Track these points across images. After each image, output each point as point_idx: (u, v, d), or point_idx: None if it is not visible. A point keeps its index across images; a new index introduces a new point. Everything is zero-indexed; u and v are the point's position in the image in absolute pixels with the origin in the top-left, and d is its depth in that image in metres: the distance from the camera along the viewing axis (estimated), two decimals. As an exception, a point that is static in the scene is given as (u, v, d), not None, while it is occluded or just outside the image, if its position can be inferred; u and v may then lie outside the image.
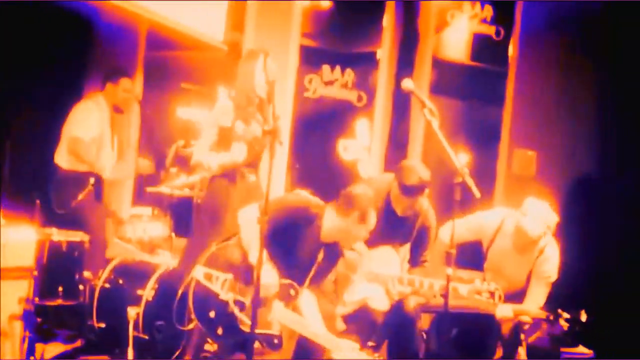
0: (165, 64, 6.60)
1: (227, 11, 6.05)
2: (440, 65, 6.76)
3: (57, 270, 4.12)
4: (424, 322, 4.41)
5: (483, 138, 6.56)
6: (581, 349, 4.49)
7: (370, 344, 4.18)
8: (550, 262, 4.40)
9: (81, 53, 5.96)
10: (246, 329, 3.58)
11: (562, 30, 6.22)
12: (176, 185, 5.06)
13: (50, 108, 5.40)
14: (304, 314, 3.72)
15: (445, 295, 3.48)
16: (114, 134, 5.26)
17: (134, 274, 4.33)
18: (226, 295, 3.61)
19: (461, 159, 3.50)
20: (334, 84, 6.80)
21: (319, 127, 6.78)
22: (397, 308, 4.11)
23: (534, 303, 4.37)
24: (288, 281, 3.70)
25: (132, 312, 3.86)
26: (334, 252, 3.85)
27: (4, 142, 5.35)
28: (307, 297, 3.77)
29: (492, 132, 6.57)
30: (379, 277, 4.08)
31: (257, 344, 3.61)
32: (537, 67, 6.33)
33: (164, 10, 5.36)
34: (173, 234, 5.11)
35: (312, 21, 6.73)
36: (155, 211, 5.13)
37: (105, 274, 4.33)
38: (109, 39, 6.05)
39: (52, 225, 4.30)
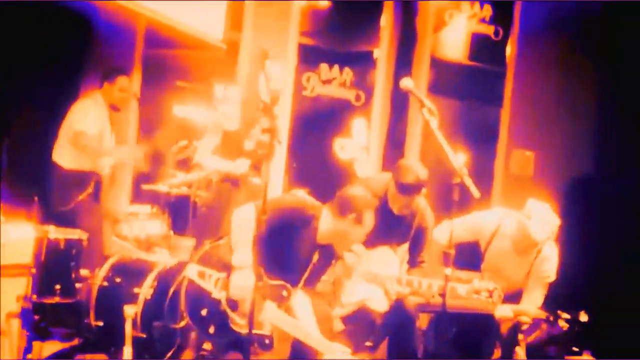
0: (164, 63, 6.60)
1: (226, 10, 6.05)
2: (438, 65, 6.76)
3: (55, 268, 4.11)
4: (423, 322, 4.41)
5: (481, 138, 6.56)
6: (585, 357, 4.49)
7: (367, 344, 4.18)
8: (549, 262, 4.40)
9: (79, 52, 5.96)
10: (238, 329, 3.58)
11: (561, 30, 6.23)
12: (174, 183, 5.06)
13: (48, 106, 5.40)
14: (297, 316, 3.70)
15: (443, 295, 3.48)
16: (112, 131, 5.28)
17: (131, 272, 4.33)
18: (219, 293, 3.59)
19: (459, 159, 3.49)
20: (332, 82, 6.80)
21: (317, 126, 6.78)
22: (396, 308, 4.11)
23: (532, 303, 4.37)
24: (280, 282, 3.67)
25: (131, 310, 3.85)
26: (329, 253, 3.83)
27: (3, 141, 5.35)
28: (300, 298, 3.76)
29: (490, 132, 6.57)
30: (377, 278, 4.07)
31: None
32: (535, 67, 6.33)
33: (163, 9, 5.37)
34: (171, 232, 5.10)
35: (311, 20, 6.73)
36: (153, 209, 5.13)
37: (103, 272, 4.32)
38: (107, 37, 6.05)
39: (50, 223, 4.29)
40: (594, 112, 6.16)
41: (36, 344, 3.80)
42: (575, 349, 4.36)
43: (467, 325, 4.38)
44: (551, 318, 4.21)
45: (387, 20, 6.70)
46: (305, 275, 3.75)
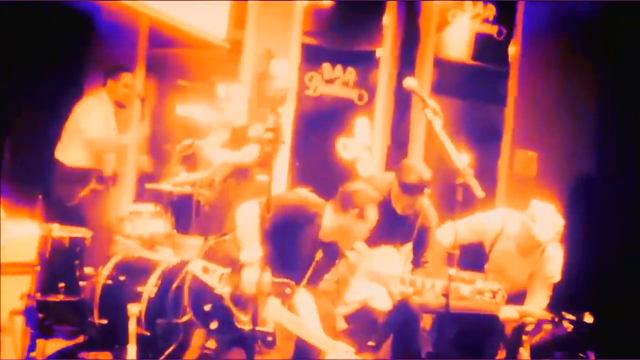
0: (167, 62, 6.60)
1: (229, 9, 6.05)
2: (441, 65, 6.77)
3: (59, 266, 4.11)
4: (426, 322, 4.41)
5: (484, 138, 6.56)
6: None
7: (370, 343, 4.18)
8: (553, 262, 4.40)
9: (82, 51, 5.96)
10: (241, 325, 3.58)
11: (564, 31, 6.23)
12: (177, 182, 5.06)
13: (51, 105, 5.41)
14: (300, 314, 3.69)
15: (446, 296, 3.47)
16: (117, 129, 5.29)
17: (135, 270, 4.32)
18: (222, 289, 3.58)
19: (463, 159, 3.48)
20: (334, 82, 6.80)
21: (319, 126, 6.78)
22: (400, 308, 4.11)
23: (537, 304, 4.37)
24: (283, 279, 3.66)
25: (134, 308, 3.85)
26: (332, 251, 3.82)
27: (5, 139, 5.36)
28: (304, 296, 3.75)
29: (493, 132, 6.58)
30: (380, 277, 4.07)
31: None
32: (538, 66, 6.34)
33: (166, 8, 5.37)
34: (174, 231, 5.11)
35: (313, 19, 6.73)
36: (156, 208, 5.13)
37: (107, 270, 4.32)
38: (110, 36, 6.05)
39: (54, 221, 4.29)
40: (596, 112, 6.17)
41: (40, 342, 3.80)
42: (582, 355, 4.36)
43: (470, 326, 4.38)
44: (556, 319, 4.20)
45: (390, 19, 6.71)
46: (308, 273, 3.75)
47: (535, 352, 4.24)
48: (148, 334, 4.06)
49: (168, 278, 4.19)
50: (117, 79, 5.25)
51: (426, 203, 4.26)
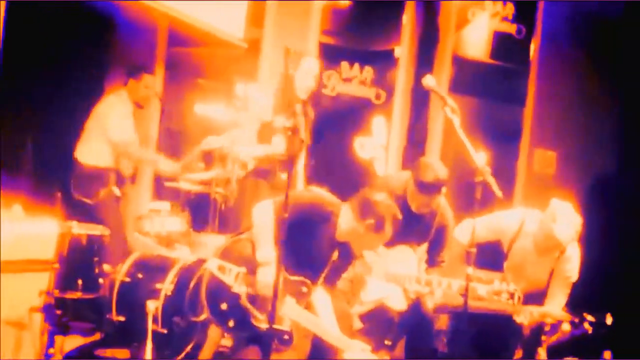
0: (185, 61, 6.64)
1: (247, 8, 6.07)
2: (460, 63, 6.74)
3: (77, 264, 4.13)
4: (442, 322, 4.39)
5: (503, 137, 6.53)
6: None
7: (386, 342, 4.17)
8: (571, 262, 4.36)
9: (101, 50, 6.00)
10: (257, 323, 3.58)
11: (584, 29, 6.18)
12: (192, 179, 5.09)
13: (71, 104, 5.45)
14: (317, 312, 3.68)
15: (464, 295, 3.45)
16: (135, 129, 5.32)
17: (153, 268, 4.34)
18: (239, 287, 3.58)
19: (481, 157, 3.46)
20: (352, 81, 6.80)
21: (337, 125, 6.78)
22: (415, 307, 4.09)
23: (556, 304, 4.33)
24: (299, 278, 3.66)
25: (152, 305, 3.87)
26: (349, 251, 3.79)
27: (27, 138, 5.42)
28: (320, 295, 3.74)
29: (512, 131, 6.53)
30: (396, 277, 4.05)
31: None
32: (558, 65, 6.30)
33: (185, 8, 5.40)
34: (191, 229, 5.13)
35: (331, 18, 6.73)
36: (173, 206, 5.16)
37: (125, 267, 4.35)
38: (129, 36, 6.09)
39: (73, 218, 4.33)
40: (615, 111, 6.11)
41: (58, 339, 3.82)
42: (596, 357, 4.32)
43: (487, 327, 4.34)
44: (576, 320, 4.16)
45: (408, 18, 6.69)
46: (325, 272, 3.73)
47: (550, 352, 4.21)
48: (165, 331, 4.08)
49: (185, 276, 4.20)
50: (139, 79, 5.28)
51: (443, 202, 4.23)
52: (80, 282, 4.14)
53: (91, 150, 5.15)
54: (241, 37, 6.01)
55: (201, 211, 5.22)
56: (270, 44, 6.34)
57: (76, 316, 4.11)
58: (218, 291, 3.60)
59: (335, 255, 3.74)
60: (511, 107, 6.73)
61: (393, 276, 4.07)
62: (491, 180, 3.39)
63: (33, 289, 3.73)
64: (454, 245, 4.28)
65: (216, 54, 6.49)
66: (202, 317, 3.92)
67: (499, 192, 3.41)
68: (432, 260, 4.25)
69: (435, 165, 4.11)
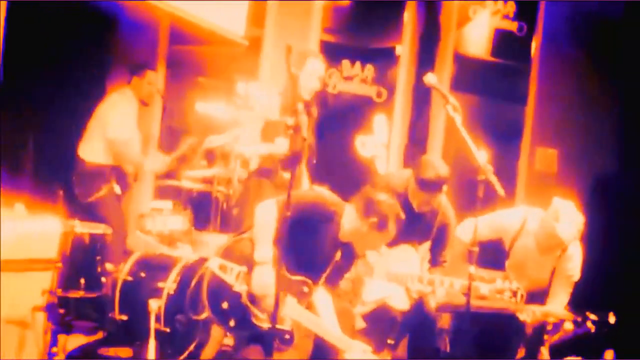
0: (187, 59, 6.63)
1: (248, 7, 6.07)
2: (461, 61, 6.73)
3: (80, 262, 4.14)
4: (444, 321, 4.39)
5: (504, 135, 6.52)
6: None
7: (389, 341, 4.17)
8: (573, 261, 4.36)
9: (103, 48, 6.00)
10: (258, 323, 3.59)
11: (585, 28, 6.17)
12: (194, 176, 5.08)
13: (73, 102, 5.45)
14: (318, 312, 3.68)
15: (467, 294, 3.45)
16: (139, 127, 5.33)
17: (155, 266, 4.34)
18: (240, 287, 3.58)
19: (483, 156, 3.46)
20: (353, 79, 6.79)
21: (338, 123, 6.77)
22: (418, 307, 4.10)
23: (559, 303, 4.32)
24: (301, 278, 3.66)
25: (154, 304, 3.87)
26: (352, 251, 3.79)
27: (29, 136, 5.43)
28: (322, 295, 3.73)
29: (514, 129, 6.53)
30: (398, 276, 4.05)
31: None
32: (559, 63, 6.29)
33: (186, 6, 5.40)
34: (193, 228, 5.14)
35: (332, 16, 6.73)
36: (175, 205, 5.16)
37: (127, 266, 4.35)
38: (131, 34, 6.09)
39: (75, 217, 4.33)
40: (617, 109, 6.11)
41: (61, 338, 3.83)
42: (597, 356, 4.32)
43: (489, 325, 4.34)
44: (579, 319, 4.16)
45: (409, 16, 6.69)
46: (327, 272, 3.73)
47: (553, 351, 4.21)
48: (167, 330, 4.08)
49: (187, 275, 4.21)
50: (143, 76, 5.29)
51: (444, 201, 4.23)
52: (82, 281, 4.15)
53: (93, 148, 5.16)
54: (242, 35, 6.01)
55: (203, 210, 5.23)
56: (271, 42, 6.34)
57: (79, 315, 4.13)
58: (219, 290, 3.60)
59: (338, 255, 3.73)
60: (513, 105, 6.73)
61: (395, 276, 4.07)
62: (493, 179, 3.39)
63: (36, 288, 3.74)
64: (456, 244, 4.28)
65: (217, 52, 6.49)
66: (203, 316, 3.92)
67: (501, 191, 3.41)
68: (435, 259, 4.25)
69: (436, 163, 4.11)
